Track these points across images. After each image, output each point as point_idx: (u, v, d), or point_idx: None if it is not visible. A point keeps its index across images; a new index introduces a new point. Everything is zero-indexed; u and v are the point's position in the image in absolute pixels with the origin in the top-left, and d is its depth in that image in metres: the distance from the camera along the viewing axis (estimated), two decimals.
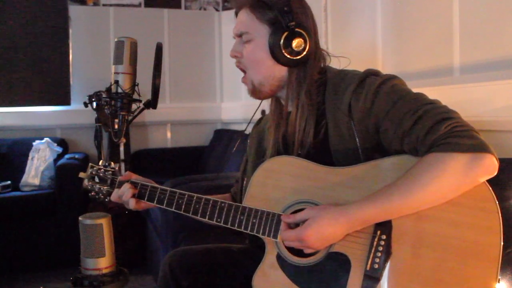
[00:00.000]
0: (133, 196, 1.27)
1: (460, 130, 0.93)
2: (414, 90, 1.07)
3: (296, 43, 1.14)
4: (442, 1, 1.77)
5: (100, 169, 1.35)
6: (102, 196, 1.34)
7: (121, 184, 1.31)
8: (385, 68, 2.11)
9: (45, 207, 2.94)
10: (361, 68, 1.16)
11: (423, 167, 0.95)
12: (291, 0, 1.17)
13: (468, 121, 0.96)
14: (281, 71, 1.19)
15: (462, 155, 0.92)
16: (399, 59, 2.06)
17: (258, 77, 1.20)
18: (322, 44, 1.27)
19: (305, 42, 1.15)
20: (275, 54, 1.16)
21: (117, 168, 1.36)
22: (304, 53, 1.15)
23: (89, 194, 1.36)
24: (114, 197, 1.31)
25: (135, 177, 1.32)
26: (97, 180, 1.34)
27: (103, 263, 1.41)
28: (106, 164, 1.36)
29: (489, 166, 0.92)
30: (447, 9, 1.74)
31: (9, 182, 3.07)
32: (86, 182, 1.36)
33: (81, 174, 1.37)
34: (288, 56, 1.15)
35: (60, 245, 2.90)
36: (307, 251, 1.05)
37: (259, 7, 1.18)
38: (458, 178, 0.92)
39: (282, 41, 1.14)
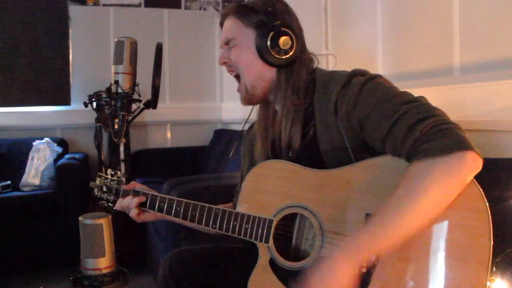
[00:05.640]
0: (138, 205, 1.30)
1: (435, 131, 0.89)
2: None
3: (283, 41, 1.14)
4: (442, 1, 1.77)
5: (106, 178, 1.38)
6: (110, 205, 1.38)
7: (125, 193, 1.33)
8: (385, 68, 2.10)
9: (45, 207, 2.94)
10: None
11: (408, 184, 0.90)
12: (276, 2, 1.18)
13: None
14: (271, 72, 1.20)
15: (440, 159, 0.87)
16: (399, 59, 2.06)
17: (249, 79, 1.20)
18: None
19: (292, 40, 1.15)
20: (263, 55, 1.16)
21: (122, 178, 1.38)
22: (292, 52, 1.15)
23: (99, 203, 1.39)
24: (117, 206, 1.34)
25: (139, 186, 1.34)
26: (104, 189, 1.38)
27: (103, 263, 1.41)
28: (113, 173, 1.39)
29: (472, 162, 0.87)
30: (447, 9, 1.74)
31: (9, 182, 3.07)
32: (95, 191, 1.40)
33: (91, 184, 1.41)
34: (277, 56, 1.15)
35: (60, 245, 2.90)
36: None
37: (244, 13, 1.18)
38: (444, 183, 0.87)
39: (269, 41, 1.14)
